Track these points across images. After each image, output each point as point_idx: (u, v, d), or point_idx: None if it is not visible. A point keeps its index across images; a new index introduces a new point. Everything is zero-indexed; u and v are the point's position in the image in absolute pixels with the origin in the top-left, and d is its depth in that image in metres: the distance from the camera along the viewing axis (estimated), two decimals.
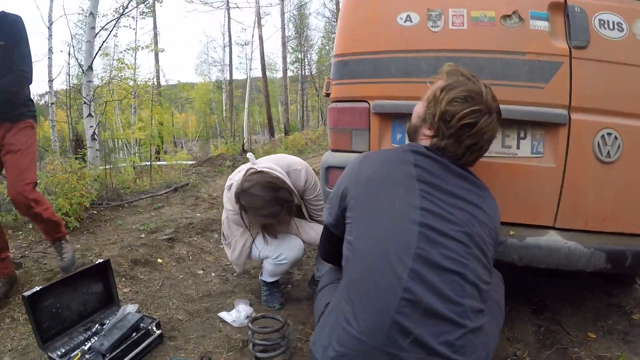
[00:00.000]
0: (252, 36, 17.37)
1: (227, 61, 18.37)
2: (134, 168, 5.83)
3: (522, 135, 1.46)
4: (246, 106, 15.92)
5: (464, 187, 1.06)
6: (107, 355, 1.45)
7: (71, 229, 2.95)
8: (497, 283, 1.28)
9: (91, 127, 4.32)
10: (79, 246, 2.65)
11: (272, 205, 1.65)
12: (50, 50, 7.96)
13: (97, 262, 1.71)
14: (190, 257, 2.63)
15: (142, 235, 2.91)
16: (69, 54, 7.70)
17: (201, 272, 2.42)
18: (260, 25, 16.27)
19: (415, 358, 0.87)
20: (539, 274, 2.12)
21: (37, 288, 1.46)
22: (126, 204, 3.85)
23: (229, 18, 17.13)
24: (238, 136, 15.27)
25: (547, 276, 2.12)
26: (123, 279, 2.18)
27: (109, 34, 5.22)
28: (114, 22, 5.16)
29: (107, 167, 4.22)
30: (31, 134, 2.00)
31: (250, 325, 1.56)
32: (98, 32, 4.79)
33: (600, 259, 1.38)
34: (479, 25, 1.42)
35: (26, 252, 2.46)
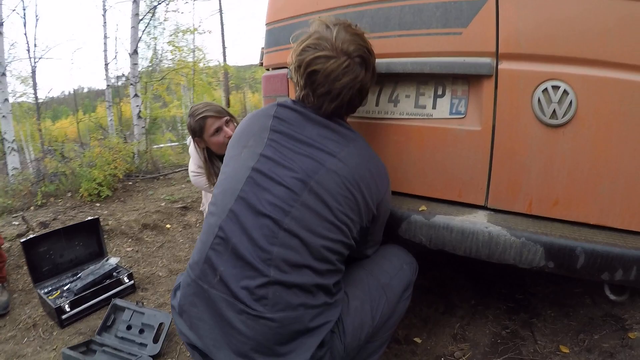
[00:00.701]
0: None
1: None
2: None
3: (439, 92, 1.19)
4: None
5: (324, 136, 0.96)
6: (78, 294, 1.72)
7: (102, 197, 3.39)
8: (395, 266, 1.12)
9: (137, 106, 4.99)
10: (105, 212, 3.08)
11: (217, 106, 1.70)
12: (105, 36, 8.86)
13: (87, 219, 2.01)
14: (198, 224, 2.85)
15: (162, 204, 3.22)
16: (116, 39, 8.68)
17: None
18: None
19: (221, 297, 0.84)
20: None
21: (32, 235, 1.80)
22: (161, 177, 4.27)
23: None
24: None
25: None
26: (129, 240, 2.50)
27: (150, 18, 5.77)
28: (153, 9, 5.76)
29: (146, 143, 4.76)
30: None
31: None
32: (142, 19, 5.39)
33: (535, 254, 1.05)
34: None
35: (59, 216, 2.95)
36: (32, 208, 3.21)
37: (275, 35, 1.48)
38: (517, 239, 1.05)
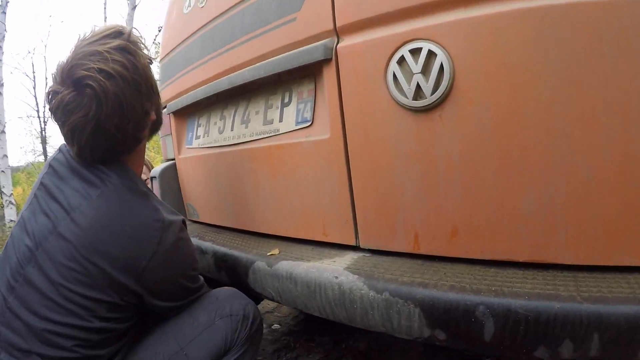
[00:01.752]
0: None
1: None
2: None
3: (286, 99, 0.87)
4: None
5: (77, 188, 0.73)
6: None
7: None
8: (200, 323, 0.76)
9: None
10: None
11: None
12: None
13: None
14: None
15: None
16: None
17: None
18: None
19: None
20: None
21: None
22: None
23: None
24: None
25: None
26: None
27: None
28: None
29: None
30: None
31: None
32: None
33: (411, 318, 0.58)
34: None
35: None
36: None
37: (163, 72, 1.34)
38: (378, 294, 0.61)
